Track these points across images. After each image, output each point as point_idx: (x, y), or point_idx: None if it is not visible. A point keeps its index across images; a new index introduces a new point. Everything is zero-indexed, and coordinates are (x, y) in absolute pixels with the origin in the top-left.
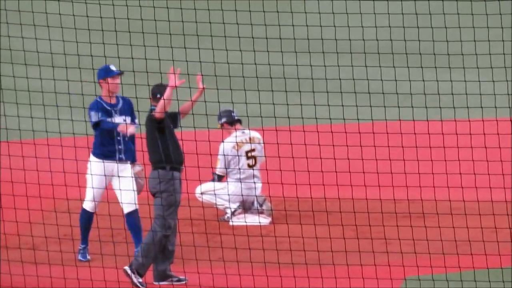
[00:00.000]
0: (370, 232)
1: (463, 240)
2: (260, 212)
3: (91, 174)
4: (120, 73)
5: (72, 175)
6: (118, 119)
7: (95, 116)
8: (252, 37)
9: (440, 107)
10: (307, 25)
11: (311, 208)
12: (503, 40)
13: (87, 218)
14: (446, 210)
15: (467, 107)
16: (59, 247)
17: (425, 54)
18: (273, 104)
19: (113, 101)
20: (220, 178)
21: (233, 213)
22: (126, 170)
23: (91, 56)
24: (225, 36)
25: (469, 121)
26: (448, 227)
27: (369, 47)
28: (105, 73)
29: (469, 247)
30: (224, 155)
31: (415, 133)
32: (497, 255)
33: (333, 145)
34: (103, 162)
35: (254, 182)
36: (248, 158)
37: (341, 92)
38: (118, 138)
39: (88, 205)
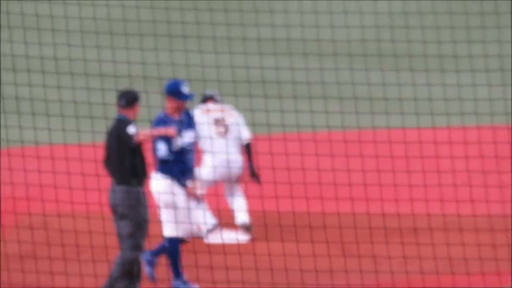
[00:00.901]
0: (358, 249)
1: (459, 258)
2: (238, 228)
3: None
4: (191, 97)
5: (35, 188)
6: (187, 135)
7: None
8: (228, 38)
9: (432, 114)
10: (287, 26)
11: (293, 223)
12: (499, 41)
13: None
14: (440, 225)
15: (461, 114)
16: (21, 266)
17: (416, 56)
18: (251, 110)
19: (177, 116)
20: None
21: (209, 230)
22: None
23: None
24: (198, 37)
25: (463, 128)
26: (442, 244)
27: (355, 48)
28: (177, 93)
29: (465, 266)
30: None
31: (405, 142)
32: (496, 275)
33: (317, 155)
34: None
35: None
36: (218, 125)
37: (324, 98)
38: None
39: (171, 231)
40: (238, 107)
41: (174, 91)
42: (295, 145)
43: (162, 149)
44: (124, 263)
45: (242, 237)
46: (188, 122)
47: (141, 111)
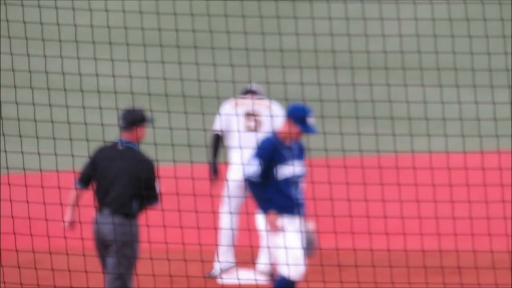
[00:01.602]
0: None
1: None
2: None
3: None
4: (314, 131)
5: (22, 221)
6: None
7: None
8: (247, 49)
9: (480, 136)
10: (314, 34)
11: (319, 261)
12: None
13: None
14: (487, 264)
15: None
16: None
17: (462, 69)
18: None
19: (289, 142)
20: (217, 139)
21: (222, 269)
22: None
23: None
24: (212, 48)
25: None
26: (490, 285)
27: (392, 60)
28: (302, 122)
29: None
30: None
31: (449, 168)
32: None
33: (347, 183)
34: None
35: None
36: (248, 119)
37: (357, 118)
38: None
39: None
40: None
41: (299, 118)
42: (323, 171)
43: (254, 165)
44: None
45: (260, 277)
46: (299, 153)
47: (162, 133)
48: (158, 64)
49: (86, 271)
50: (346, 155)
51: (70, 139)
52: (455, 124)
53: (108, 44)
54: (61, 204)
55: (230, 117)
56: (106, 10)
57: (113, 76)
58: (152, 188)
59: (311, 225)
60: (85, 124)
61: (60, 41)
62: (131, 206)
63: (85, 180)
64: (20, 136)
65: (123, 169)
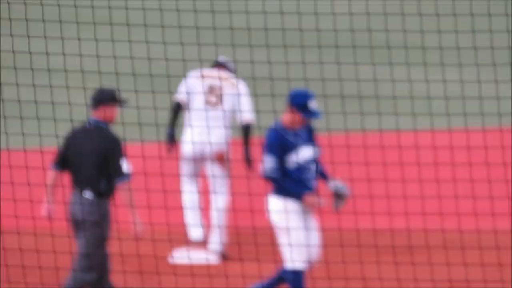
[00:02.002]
0: (345, 270)
1: (460, 280)
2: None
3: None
4: (319, 115)
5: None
6: (306, 150)
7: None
8: (197, 27)
9: (430, 114)
10: (265, 12)
11: (270, 241)
12: (508, 31)
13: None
14: (439, 243)
15: (464, 114)
16: None
17: (412, 48)
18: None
19: (296, 128)
20: (178, 108)
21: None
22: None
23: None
24: (162, 26)
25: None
26: (441, 263)
27: (342, 39)
28: (303, 108)
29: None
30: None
31: (400, 147)
32: None
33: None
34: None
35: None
36: (210, 94)
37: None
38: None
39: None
40: None
41: (300, 105)
42: None
43: (268, 162)
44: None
45: (212, 257)
46: (308, 136)
47: (130, 112)
48: (125, 44)
49: (54, 251)
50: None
51: (38, 118)
52: (405, 103)
53: (76, 24)
54: (29, 184)
55: (193, 89)
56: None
57: (80, 55)
58: (118, 166)
59: (338, 182)
60: (52, 103)
61: (26, 20)
62: (99, 185)
63: (60, 162)
64: None
65: (91, 148)
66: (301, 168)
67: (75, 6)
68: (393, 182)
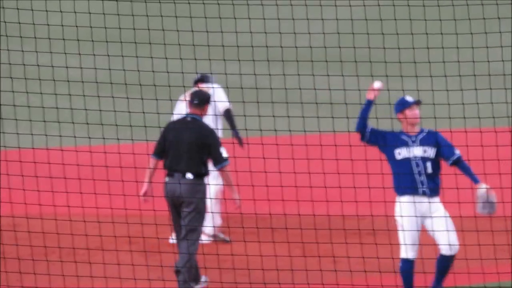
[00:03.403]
0: (318, 249)
1: (417, 258)
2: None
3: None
4: (417, 102)
5: (3, 191)
6: (416, 149)
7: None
8: (194, 45)
9: (391, 118)
10: (251, 32)
11: (255, 224)
12: (457, 47)
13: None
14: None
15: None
16: None
17: (375, 62)
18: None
19: (414, 132)
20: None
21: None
22: (438, 208)
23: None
24: (164, 44)
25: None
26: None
27: (316, 54)
28: (401, 105)
29: (422, 265)
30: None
31: (364, 145)
32: (451, 273)
33: (279, 158)
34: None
35: None
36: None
37: (287, 103)
38: (418, 169)
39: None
40: None
41: (399, 107)
42: (257, 148)
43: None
44: (193, 255)
45: (205, 238)
46: (427, 138)
47: (136, 116)
48: (119, 58)
49: (58, 233)
50: (278, 134)
51: (44, 121)
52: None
53: (77, 41)
54: (36, 176)
55: (182, 111)
56: (75, 12)
57: (81, 68)
58: (220, 152)
59: (485, 190)
60: (57, 108)
61: (33, 37)
62: (201, 168)
63: (158, 152)
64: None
65: (192, 135)
66: (409, 166)
67: (91, 27)
68: (360, 174)
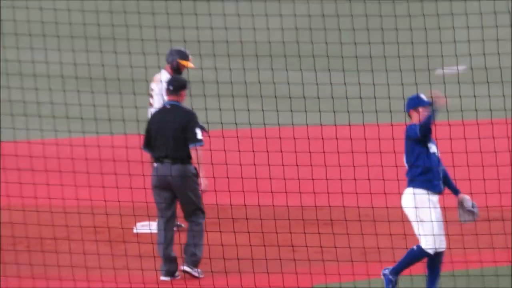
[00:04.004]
0: (277, 239)
1: (372, 247)
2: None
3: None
4: (432, 104)
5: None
6: (433, 146)
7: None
8: (156, 39)
9: (348, 111)
10: (211, 28)
11: (216, 215)
12: (412, 42)
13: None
14: (355, 217)
15: (376, 111)
16: None
17: (333, 56)
18: None
19: None
20: None
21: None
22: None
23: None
24: (127, 39)
25: (377, 125)
26: (356, 234)
27: (275, 49)
28: (417, 102)
29: (378, 255)
30: None
31: (322, 138)
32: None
33: (239, 151)
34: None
35: None
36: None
37: (247, 97)
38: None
39: (428, 244)
40: None
41: (414, 103)
42: (218, 141)
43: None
44: (198, 233)
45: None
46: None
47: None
48: (83, 53)
49: (53, 225)
50: (238, 127)
51: (12, 115)
52: (327, 101)
53: (42, 36)
54: (32, 170)
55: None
56: (40, 8)
57: (47, 62)
58: (194, 132)
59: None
60: (23, 102)
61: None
62: (187, 152)
63: (147, 144)
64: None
65: (174, 121)
66: (433, 160)
67: (70, 24)
68: (318, 166)
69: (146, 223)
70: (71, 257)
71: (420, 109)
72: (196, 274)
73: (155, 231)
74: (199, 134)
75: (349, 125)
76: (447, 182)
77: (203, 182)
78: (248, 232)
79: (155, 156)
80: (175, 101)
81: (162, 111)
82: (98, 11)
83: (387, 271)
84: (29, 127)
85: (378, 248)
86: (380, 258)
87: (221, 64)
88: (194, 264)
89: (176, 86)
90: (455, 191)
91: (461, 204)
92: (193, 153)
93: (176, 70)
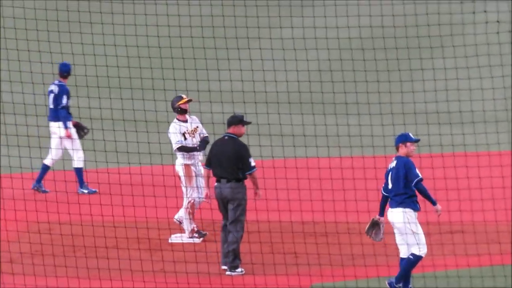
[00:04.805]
0: (283, 248)
1: (359, 254)
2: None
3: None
4: (417, 140)
5: (41, 203)
6: None
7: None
8: (186, 90)
9: (339, 147)
10: (231, 80)
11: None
12: (390, 92)
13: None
14: (344, 230)
15: (361, 146)
16: (32, 261)
17: (328, 103)
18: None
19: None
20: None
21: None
22: None
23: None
24: (164, 90)
25: (362, 158)
26: (346, 243)
27: (282, 97)
28: (405, 138)
29: (363, 260)
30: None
31: (319, 168)
32: (386, 266)
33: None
34: None
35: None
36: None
37: (258, 135)
38: None
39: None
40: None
41: (404, 140)
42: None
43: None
44: (239, 240)
45: (196, 240)
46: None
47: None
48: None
49: (83, 235)
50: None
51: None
52: (322, 138)
53: (97, 88)
54: (66, 192)
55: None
56: (95, 66)
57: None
58: (248, 162)
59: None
60: (92, 140)
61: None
62: (239, 174)
63: (208, 163)
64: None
65: (229, 151)
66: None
67: (119, 77)
68: (315, 190)
69: (179, 235)
70: (119, 262)
71: (408, 144)
72: (235, 274)
73: (186, 241)
74: (252, 162)
75: (340, 157)
76: (383, 205)
77: (259, 194)
78: (260, 242)
79: (214, 175)
80: (232, 134)
81: (221, 140)
82: (141, 68)
83: (393, 280)
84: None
85: (363, 254)
86: (365, 262)
87: (238, 110)
88: (233, 268)
89: (235, 121)
90: (381, 214)
91: (381, 226)
92: (249, 177)
93: (181, 111)
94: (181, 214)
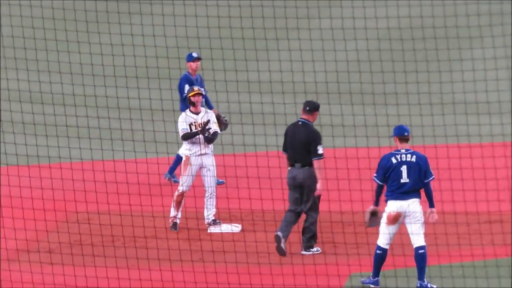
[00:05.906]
0: (321, 237)
1: (398, 244)
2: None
3: None
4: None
5: (80, 193)
6: None
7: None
8: (225, 80)
9: (378, 137)
10: (269, 71)
11: (273, 218)
12: (428, 82)
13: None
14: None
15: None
16: (71, 251)
17: (366, 93)
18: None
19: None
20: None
21: (210, 223)
22: None
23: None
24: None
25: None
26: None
27: (320, 87)
28: (401, 131)
29: (402, 249)
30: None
31: (357, 158)
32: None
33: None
34: None
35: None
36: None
37: (275, 124)
38: None
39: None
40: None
41: (399, 133)
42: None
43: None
44: (314, 222)
45: (235, 229)
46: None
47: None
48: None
49: (121, 225)
50: (268, 150)
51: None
52: (361, 128)
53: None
54: (83, 181)
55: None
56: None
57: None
58: (317, 149)
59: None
60: (120, 129)
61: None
62: (310, 159)
63: (284, 149)
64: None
65: (302, 136)
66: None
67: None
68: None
69: (218, 222)
70: (158, 252)
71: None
72: (310, 253)
73: (225, 231)
74: (320, 150)
75: (379, 147)
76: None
77: (319, 185)
78: (299, 231)
79: (288, 160)
80: (307, 120)
81: (295, 125)
82: (179, 58)
83: (425, 281)
84: (114, 149)
85: (402, 244)
86: (404, 252)
87: (277, 100)
88: (308, 248)
89: (311, 107)
90: (375, 203)
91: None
92: (315, 163)
93: (191, 102)
94: (210, 216)
